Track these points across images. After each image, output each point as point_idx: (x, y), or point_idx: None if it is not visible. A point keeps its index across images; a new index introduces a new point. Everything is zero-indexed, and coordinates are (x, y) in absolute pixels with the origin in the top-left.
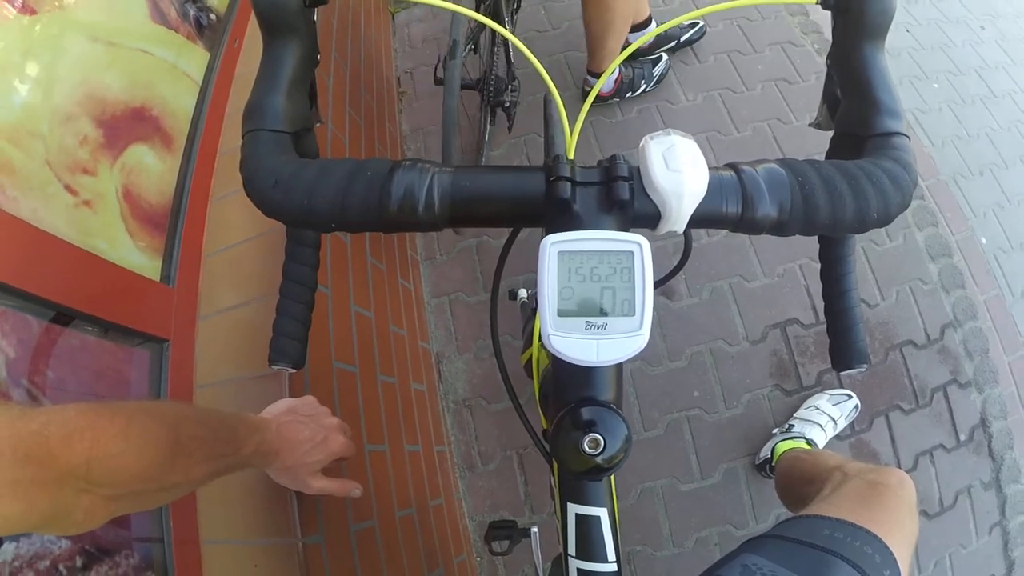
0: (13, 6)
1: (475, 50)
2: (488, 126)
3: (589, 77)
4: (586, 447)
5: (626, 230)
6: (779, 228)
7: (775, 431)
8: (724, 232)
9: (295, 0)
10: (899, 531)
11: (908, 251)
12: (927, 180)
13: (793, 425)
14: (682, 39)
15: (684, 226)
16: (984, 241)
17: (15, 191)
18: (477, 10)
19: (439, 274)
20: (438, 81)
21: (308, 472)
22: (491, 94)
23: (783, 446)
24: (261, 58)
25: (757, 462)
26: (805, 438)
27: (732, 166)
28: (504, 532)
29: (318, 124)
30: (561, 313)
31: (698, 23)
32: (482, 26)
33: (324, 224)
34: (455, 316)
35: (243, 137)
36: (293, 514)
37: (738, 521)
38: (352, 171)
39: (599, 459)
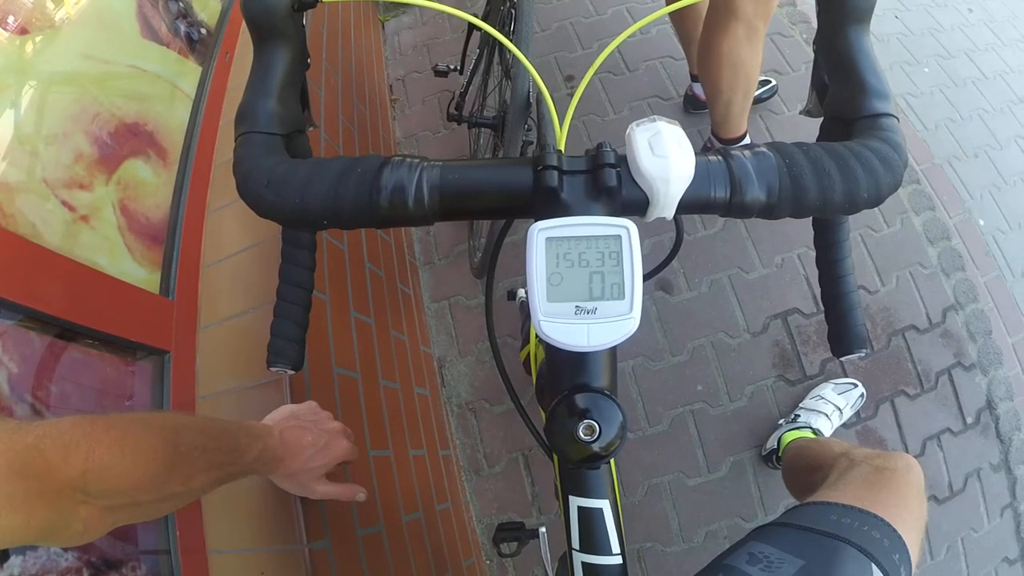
0: (5, 28)
1: (485, 87)
2: None
3: (714, 138)
4: (581, 434)
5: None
6: (769, 211)
7: (781, 422)
8: (720, 224)
9: (284, 5)
10: (907, 515)
11: (906, 236)
12: (922, 164)
13: (799, 415)
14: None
15: (673, 212)
16: (982, 223)
17: (13, 208)
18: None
19: (438, 278)
20: None
21: (312, 477)
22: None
23: (789, 436)
24: (252, 63)
25: (764, 453)
26: (811, 428)
27: (720, 151)
28: (512, 534)
29: (311, 128)
30: (550, 299)
31: (771, 81)
32: (492, 59)
33: (317, 222)
34: (455, 320)
35: (235, 140)
36: (299, 520)
37: (747, 513)
38: (343, 169)
39: (595, 446)
